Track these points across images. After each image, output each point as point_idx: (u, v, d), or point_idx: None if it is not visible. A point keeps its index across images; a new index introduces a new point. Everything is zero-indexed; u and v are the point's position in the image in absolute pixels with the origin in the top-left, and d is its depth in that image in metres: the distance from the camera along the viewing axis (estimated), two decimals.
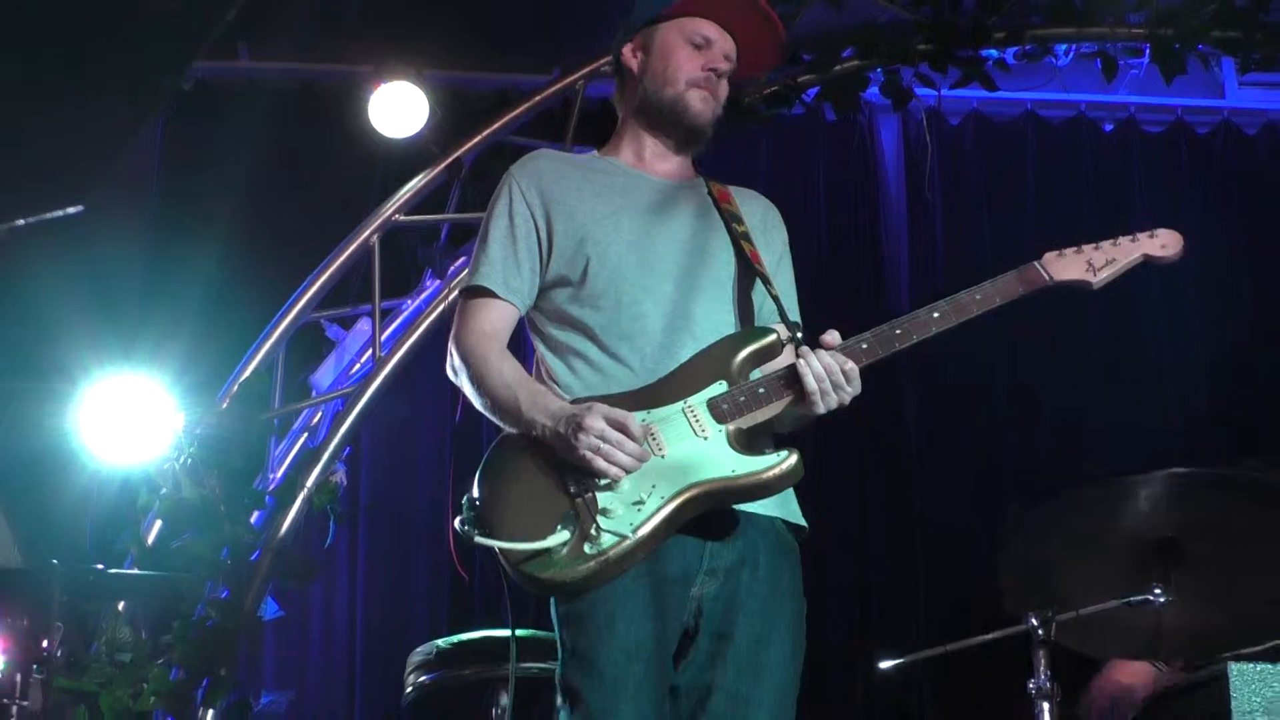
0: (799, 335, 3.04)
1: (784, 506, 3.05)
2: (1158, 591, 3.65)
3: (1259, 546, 3.68)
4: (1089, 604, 3.68)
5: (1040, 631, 3.68)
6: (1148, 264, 3.09)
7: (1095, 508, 3.74)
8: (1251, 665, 3.28)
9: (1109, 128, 6.66)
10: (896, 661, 4.06)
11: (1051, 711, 3.66)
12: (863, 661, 4.09)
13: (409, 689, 4.53)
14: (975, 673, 4.17)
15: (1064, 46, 6.26)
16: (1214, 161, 6.58)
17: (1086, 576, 3.74)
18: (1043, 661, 3.65)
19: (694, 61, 3.20)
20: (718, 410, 2.92)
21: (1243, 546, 3.68)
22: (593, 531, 2.80)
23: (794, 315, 3.16)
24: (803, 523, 3.09)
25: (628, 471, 2.83)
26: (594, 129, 5.50)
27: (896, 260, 6.40)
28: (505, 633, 4.21)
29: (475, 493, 2.90)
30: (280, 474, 5.67)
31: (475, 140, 5.93)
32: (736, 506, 2.94)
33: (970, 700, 4.97)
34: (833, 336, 2.93)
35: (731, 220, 3.20)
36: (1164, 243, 3.09)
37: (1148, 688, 4.46)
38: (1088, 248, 3.07)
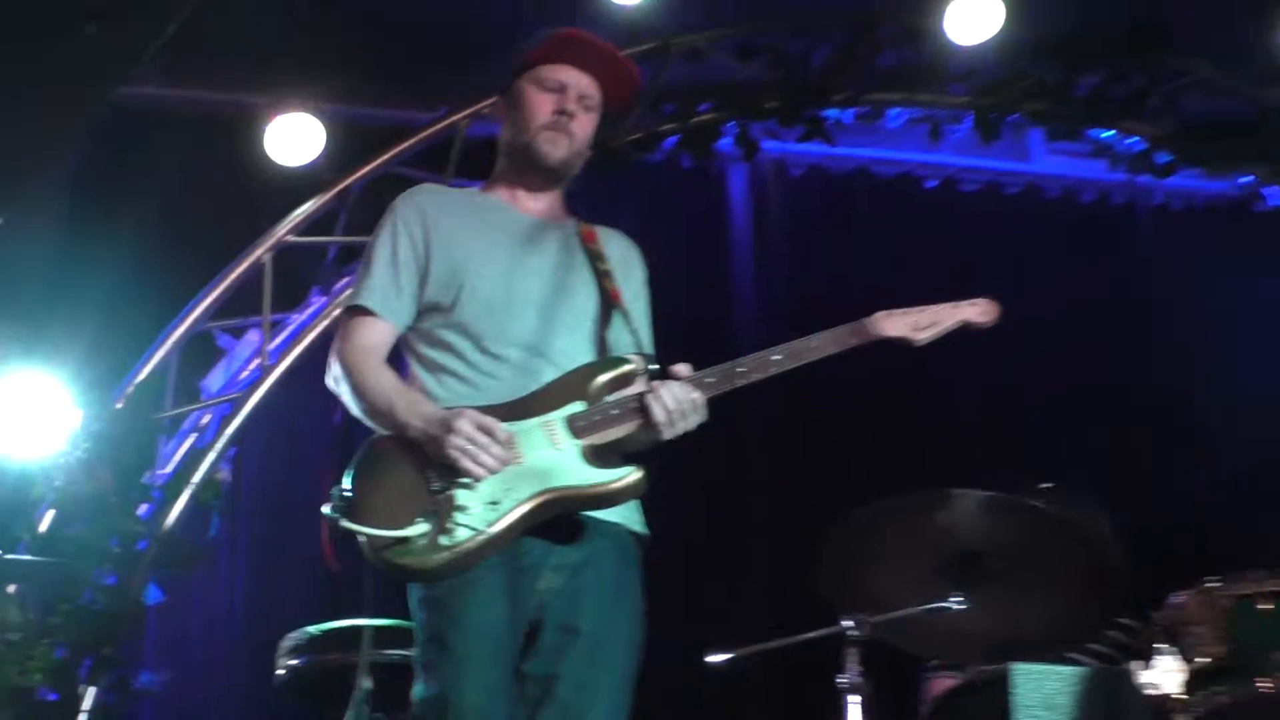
0: (652, 366, 3.07)
1: (628, 515, 3.08)
2: (957, 600, 3.70)
3: (1046, 570, 3.75)
4: (900, 608, 3.72)
5: (855, 632, 3.72)
6: (966, 328, 3.17)
7: (910, 518, 3.77)
8: (1031, 666, 3.36)
9: (932, 184, 6.79)
10: (725, 656, 4.08)
11: (863, 705, 3.68)
12: (696, 656, 4.10)
13: (281, 671, 4.49)
14: (808, 667, 4.17)
15: (896, 110, 6.35)
16: (1020, 219, 6.74)
17: (899, 581, 3.77)
18: (853, 659, 3.68)
19: (546, 106, 3.20)
20: (574, 426, 2.96)
21: (1033, 568, 3.75)
22: (449, 525, 2.84)
23: (648, 348, 3.20)
24: (645, 531, 3.13)
25: (491, 472, 2.85)
26: (475, 164, 5.54)
27: (744, 298, 6.46)
28: (369, 622, 4.21)
29: (346, 483, 2.92)
30: (169, 470, 5.61)
31: (365, 170, 5.94)
32: (584, 513, 2.98)
33: (799, 694, 5.00)
34: (682, 368, 2.99)
35: (594, 258, 3.23)
36: (982, 310, 3.18)
37: None
38: (914, 310, 3.13)
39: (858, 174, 6.73)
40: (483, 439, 2.85)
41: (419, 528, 2.84)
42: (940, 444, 6.13)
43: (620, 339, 3.15)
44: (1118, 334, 6.56)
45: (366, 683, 4.15)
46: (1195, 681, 3.87)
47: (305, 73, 5.81)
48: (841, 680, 3.67)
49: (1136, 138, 6.34)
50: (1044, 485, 4.55)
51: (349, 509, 2.86)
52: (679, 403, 2.91)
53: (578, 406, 2.98)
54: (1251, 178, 6.42)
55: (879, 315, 3.10)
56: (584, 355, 3.10)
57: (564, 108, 3.20)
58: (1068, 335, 6.48)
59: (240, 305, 5.87)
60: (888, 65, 6.22)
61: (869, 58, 6.18)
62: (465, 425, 2.85)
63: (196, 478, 5.49)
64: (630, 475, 2.93)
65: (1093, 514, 4.40)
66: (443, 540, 2.83)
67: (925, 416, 6.26)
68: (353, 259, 5.83)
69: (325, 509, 2.88)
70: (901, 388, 5.98)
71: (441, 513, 2.85)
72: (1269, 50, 5.95)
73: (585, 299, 3.17)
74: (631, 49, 5.82)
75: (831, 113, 6.26)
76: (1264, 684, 3.77)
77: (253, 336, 5.89)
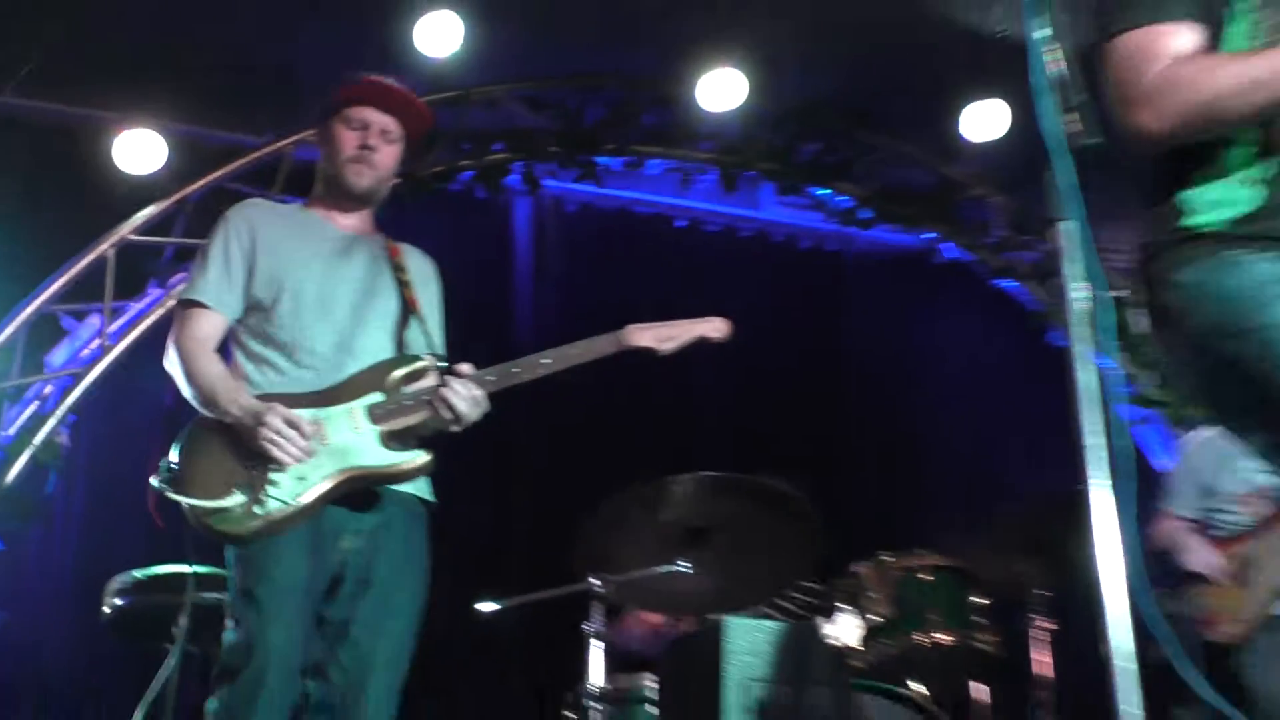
0: (442, 364, 3.08)
1: (419, 486, 3.10)
2: (684, 564, 3.74)
3: (756, 542, 3.81)
4: (636, 570, 3.77)
5: (600, 589, 3.75)
6: (702, 341, 3.22)
7: (647, 497, 3.78)
8: (741, 619, 3.42)
9: (681, 224, 6.84)
10: (493, 606, 4.09)
11: (604, 649, 3.72)
12: (470, 604, 4.10)
13: (107, 610, 4.32)
14: (567, 616, 4.18)
15: (655, 161, 6.43)
16: (751, 256, 6.84)
17: (637, 548, 3.81)
18: (597, 611, 3.73)
19: (351, 142, 3.20)
20: (373, 414, 2.96)
21: (744, 536, 3.81)
22: (262, 497, 2.81)
23: (439, 348, 3.20)
24: (433, 499, 3.14)
25: (295, 461, 2.84)
26: (300, 183, 5.44)
27: (523, 310, 6.44)
28: (188, 568, 4.09)
29: (172, 457, 2.88)
30: (12, 433, 5.38)
31: (201, 183, 5.80)
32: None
33: (553, 639, 5.01)
34: (467, 368, 3.01)
35: (398, 271, 3.23)
36: (715, 327, 3.23)
37: (660, 628, 4.62)
38: (661, 324, 3.16)
39: (621, 212, 6.76)
40: (289, 432, 2.84)
41: (235, 498, 2.81)
42: (682, 442, 6.21)
43: (416, 340, 3.15)
44: (824, 356, 6.70)
45: (186, 621, 4.03)
46: (868, 635, 4.00)
47: (152, 95, 5.65)
48: (586, 628, 3.72)
49: (846, 196, 6.51)
50: (758, 473, 4.67)
51: (174, 480, 2.83)
52: (463, 396, 2.94)
53: (377, 397, 2.98)
54: (933, 235, 6.68)
55: (631, 328, 3.14)
56: (385, 352, 3.10)
57: (366, 143, 3.20)
58: (785, 355, 6.59)
59: (84, 292, 5.67)
60: (650, 124, 6.28)
61: (635, 117, 6.25)
62: (274, 420, 2.83)
63: (37, 440, 5.32)
64: (419, 458, 2.96)
65: (795, 498, 4.52)
66: (256, 510, 2.80)
67: (672, 415, 6.30)
68: (188, 258, 5.66)
69: (154, 480, 2.83)
70: (646, 389, 6.06)
71: (255, 486, 2.82)
72: (949, 133, 6.21)
73: (388, 304, 3.16)
74: (437, 95, 5.82)
75: (602, 159, 6.31)
76: (920, 637, 3.93)
77: (94, 320, 5.70)
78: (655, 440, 6.08)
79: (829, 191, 6.54)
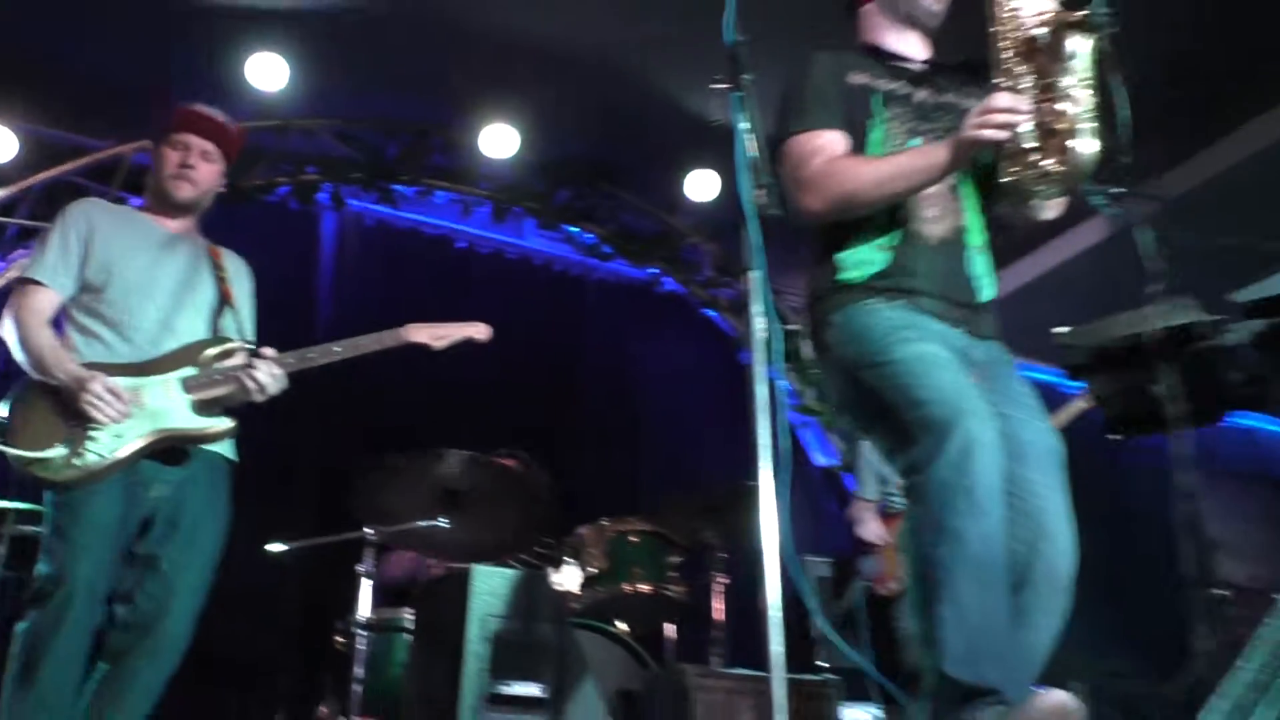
0: (250, 347, 2.98)
1: (224, 446, 2.99)
2: (443, 520, 3.74)
3: (500, 502, 3.83)
4: (404, 523, 3.72)
5: (373, 536, 3.69)
6: (469, 340, 3.20)
7: (416, 464, 3.75)
8: (485, 567, 3.43)
9: (461, 245, 6.74)
10: (282, 547, 3.96)
11: (373, 587, 3.67)
12: (261, 546, 3.95)
13: None
14: (339, 559, 4.05)
15: (441, 192, 6.32)
16: (515, 276, 6.76)
17: (410, 505, 3.76)
18: (370, 555, 3.67)
19: (174, 161, 3.08)
20: (187, 385, 2.86)
21: (492, 501, 3.82)
22: (82, 450, 2.68)
23: (249, 335, 3.10)
24: (235, 458, 3.03)
25: (113, 423, 2.70)
26: (135, 183, 5.13)
27: (324, 306, 6.22)
28: (8, 505, 3.80)
29: (1, 412, 2.71)
30: None
31: (46, 175, 5.39)
32: None
33: (332, 576, 4.86)
34: (270, 351, 2.93)
35: (216, 268, 3.12)
36: (479, 330, 3.23)
37: (414, 566, 4.56)
38: (435, 325, 3.14)
39: (412, 231, 6.61)
40: (108, 397, 2.71)
41: (57, 451, 2.66)
42: (448, 422, 6.08)
43: (229, 326, 3.05)
44: (568, 359, 6.68)
45: (4, 550, 3.74)
46: (586, 583, 4.06)
47: (9, 96, 5.22)
48: (359, 568, 3.66)
49: (591, 234, 6.54)
50: (507, 450, 4.67)
51: (2, 431, 2.66)
52: (265, 373, 2.85)
53: (191, 370, 2.87)
54: (657, 270, 6.81)
55: (410, 326, 3.11)
56: (201, 334, 2.98)
57: (187, 162, 3.08)
58: (536, 356, 6.55)
59: None
60: (438, 162, 6.18)
61: (427, 155, 6.15)
62: (96, 386, 2.71)
63: None
64: (224, 424, 2.86)
65: (535, 472, 4.54)
66: (75, 462, 2.66)
67: (441, 400, 6.15)
68: (29, 238, 5.26)
69: None
70: (422, 378, 5.94)
71: (76, 441, 2.68)
72: (674, 192, 6.36)
73: (205, 294, 3.05)
74: (263, 123, 5.61)
75: (398, 187, 6.17)
76: (627, 586, 4.01)
77: None
78: (426, 420, 5.98)
79: (578, 229, 6.57)
